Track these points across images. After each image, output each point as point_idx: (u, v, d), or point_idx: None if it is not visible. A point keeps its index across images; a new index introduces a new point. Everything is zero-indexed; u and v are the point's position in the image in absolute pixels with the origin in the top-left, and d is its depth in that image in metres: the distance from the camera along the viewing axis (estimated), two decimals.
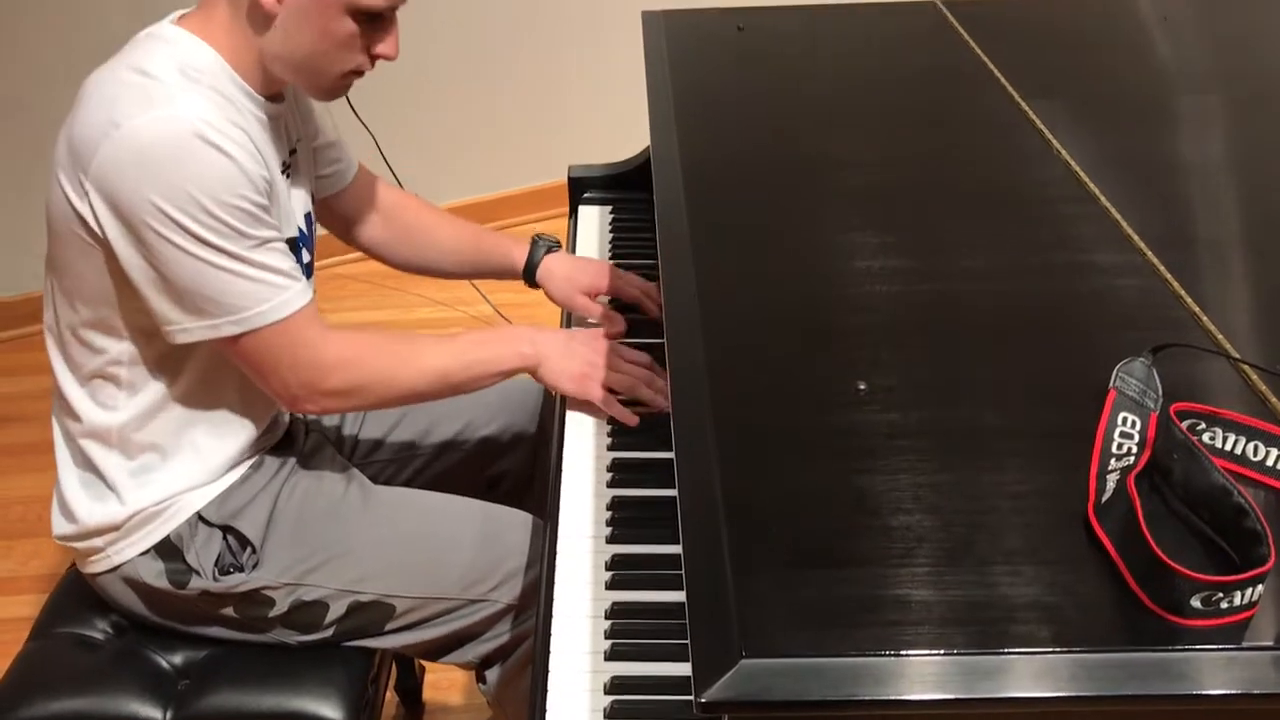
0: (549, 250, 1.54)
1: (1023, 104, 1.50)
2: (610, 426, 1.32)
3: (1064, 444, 0.94)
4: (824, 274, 1.19)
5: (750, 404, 1.00)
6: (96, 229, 1.14)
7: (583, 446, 1.31)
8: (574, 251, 1.72)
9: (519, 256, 1.55)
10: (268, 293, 1.16)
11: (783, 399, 1.01)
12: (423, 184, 2.91)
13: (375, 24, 1.19)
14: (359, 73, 1.23)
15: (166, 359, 1.23)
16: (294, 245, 1.29)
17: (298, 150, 1.34)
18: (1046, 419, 0.98)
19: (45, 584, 2.03)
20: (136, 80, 1.13)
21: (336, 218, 1.52)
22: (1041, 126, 1.44)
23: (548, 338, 1.33)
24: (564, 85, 3.08)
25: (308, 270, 1.36)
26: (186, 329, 1.16)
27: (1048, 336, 1.09)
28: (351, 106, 2.78)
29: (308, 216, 1.36)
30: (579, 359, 1.31)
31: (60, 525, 1.30)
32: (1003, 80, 1.57)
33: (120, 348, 1.22)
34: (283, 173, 1.29)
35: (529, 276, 1.55)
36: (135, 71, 1.14)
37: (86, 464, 1.27)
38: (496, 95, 3.03)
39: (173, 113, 1.10)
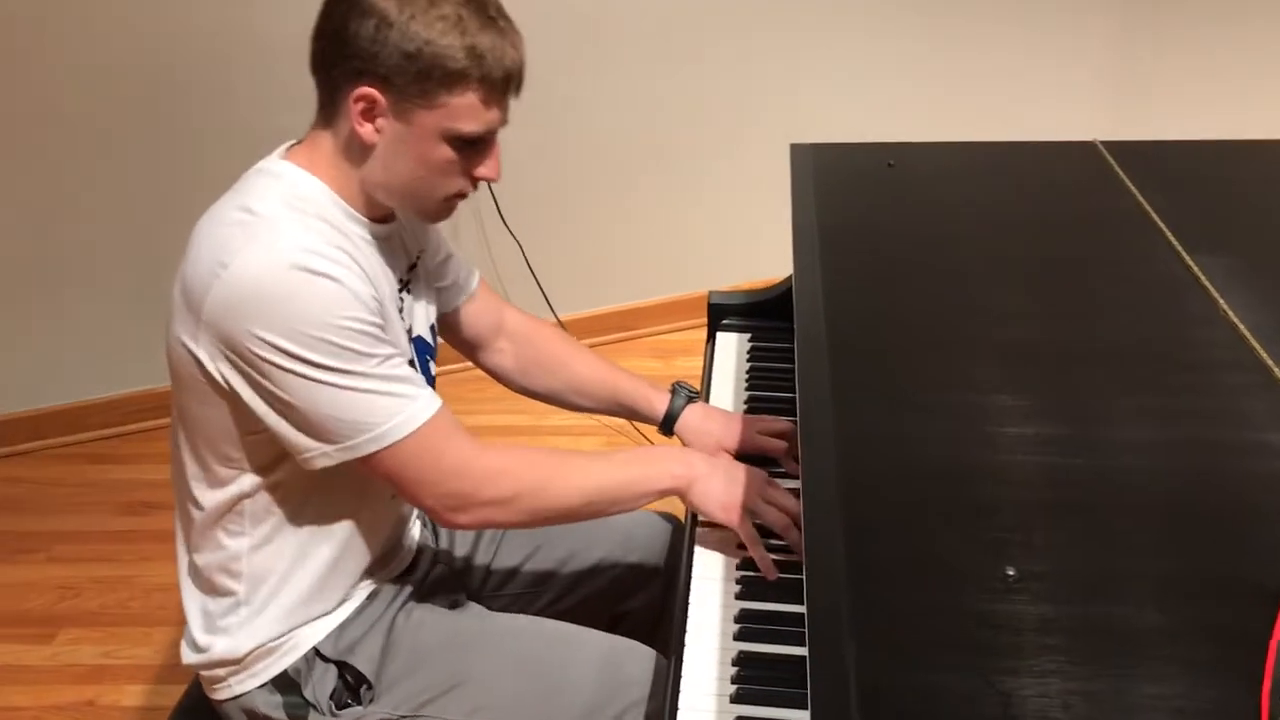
0: (689, 400, 1.52)
1: (1186, 258, 1.44)
2: (740, 574, 1.29)
3: (1233, 653, 0.87)
4: (972, 439, 1.14)
5: (890, 583, 0.96)
6: (215, 372, 1.15)
7: (710, 590, 1.28)
8: (710, 380, 1.70)
9: (659, 405, 1.52)
10: (398, 405, 1.16)
11: (925, 581, 0.96)
12: (565, 292, 2.98)
13: (474, 147, 1.19)
14: (462, 195, 1.23)
15: (289, 489, 1.24)
16: (415, 361, 1.30)
17: (418, 264, 1.36)
18: (1214, 621, 0.91)
19: (179, 674, 2.07)
20: (242, 219, 1.15)
21: (461, 338, 1.52)
22: (1207, 284, 1.38)
23: (700, 460, 1.30)
24: (706, 202, 3.11)
25: (431, 382, 1.36)
26: (326, 453, 1.16)
27: (1215, 525, 1.02)
28: (502, 217, 2.87)
29: (431, 328, 1.38)
30: (731, 485, 1.28)
31: (187, 655, 1.32)
32: (1165, 230, 1.51)
33: (243, 482, 1.23)
34: (401, 289, 1.30)
35: (667, 426, 1.52)
36: (241, 210, 1.16)
37: (211, 595, 1.29)
38: (639, 209, 3.08)
39: (276, 246, 1.12)
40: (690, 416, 1.51)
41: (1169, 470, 1.08)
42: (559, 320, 2.96)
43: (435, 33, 1.12)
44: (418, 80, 1.13)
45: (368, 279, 1.18)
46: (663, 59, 2.94)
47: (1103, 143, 1.79)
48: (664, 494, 1.29)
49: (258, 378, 1.13)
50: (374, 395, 1.14)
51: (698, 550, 1.32)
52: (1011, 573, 0.94)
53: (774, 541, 1.29)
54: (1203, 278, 1.39)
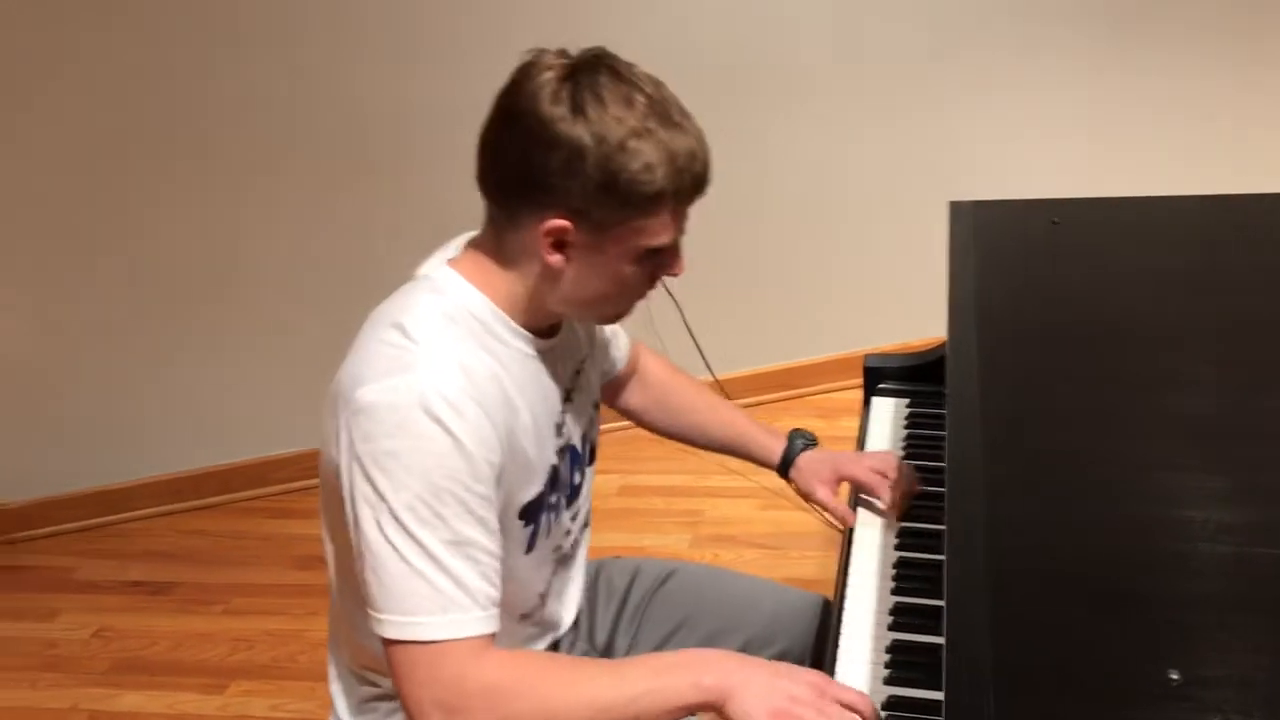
0: (805, 447, 1.53)
1: None
2: (888, 656, 1.22)
3: None
4: (1139, 523, 1.05)
5: (1039, 684, 0.89)
6: (338, 475, 1.12)
7: (857, 677, 1.21)
8: (863, 448, 1.65)
9: (775, 449, 1.53)
10: (439, 606, 1.06)
11: (1076, 683, 0.88)
12: (723, 351, 2.96)
13: (661, 253, 1.16)
14: (642, 296, 1.21)
15: None
16: (554, 477, 1.24)
17: (584, 368, 1.33)
18: None
19: None
20: (393, 340, 1.11)
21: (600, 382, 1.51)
22: None
23: (741, 668, 1.11)
24: (867, 259, 3.07)
25: (576, 491, 1.32)
26: (367, 613, 1.09)
27: None
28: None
29: (584, 437, 1.33)
30: (779, 694, 1.08)
31: None
32: None
33: None
34: (564, 399, 1.26)
35: (783, 470, 1.53)
36: (396, 329, 1.12)
37: (358, 683, 1.29)
38: (798, 267, 3.05)
39: (410, 382, 1.07)
40: (804, 460, 1.52)
41: None
42: (715, 379, 2.94)
43: (629, 157, 1.07)
44: (616, 209, 1.09)
45: (500, 434, 1.11)
46: (821, 114, 2.91)
47: None
48: (690, 710, 1.11)
49: (352, 500, 1.09)
50: (423, 581, 1.06)
51: (843, 636, 1.26)
52: (1175, 676, 0.86)
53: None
54: None
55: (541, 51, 1.13)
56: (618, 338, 1.51)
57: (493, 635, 1.09)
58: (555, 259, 1.13)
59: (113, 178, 2.60)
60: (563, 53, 1.13)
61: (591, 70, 1.10)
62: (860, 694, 1.11)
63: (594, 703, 1.08)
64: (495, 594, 1.10)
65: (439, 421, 1.06)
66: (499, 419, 1.12)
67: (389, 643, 1.08)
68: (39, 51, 2.47)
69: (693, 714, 1.12)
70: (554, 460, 1.25)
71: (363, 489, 1.07)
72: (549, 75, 1.09)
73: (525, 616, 1.31)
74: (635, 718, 1.09)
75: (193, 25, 2.52)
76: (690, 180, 1.12)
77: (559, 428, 1.25)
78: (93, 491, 2.80)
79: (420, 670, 1.07)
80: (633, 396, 1.57)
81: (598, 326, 1.42)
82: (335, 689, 1.32)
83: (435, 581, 1.06)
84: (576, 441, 1.31)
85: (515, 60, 1.14)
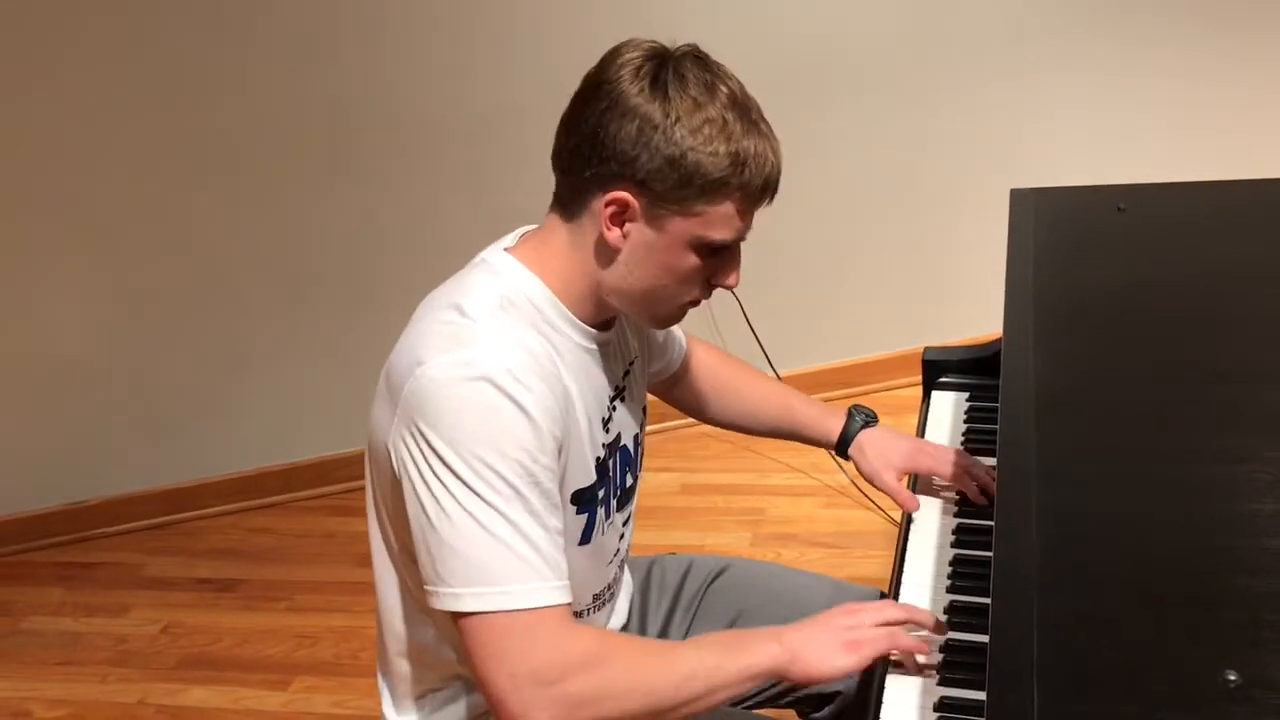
0: (865, 424, 1.49)
1: None
2: (940, 657, 1.19)
3: None
4: (1201, 518, 1.01)
5: (1083, 689, 0.85)
6: (395, 463, 1.12)
7: (909, 682, 1.18)
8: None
9: (834, 427, 1.50)
10: (523, 574, 1.05)
11: (1127, 685, 0.84)
12: (785, 347, 2.92)
13: (718, 255, 1.15)
14: (695, 303, 1.19)
15: None
16: (612, 473, 1.24)
17: (632, 369, 1.32)
18: None
19: None
20: (451, 319, 1.12)
21: (651, 383, 1.50)
22: None
23: (795, 630, 1.16)
24: (930, 253, 3.01)
25: (626, 495, 1.31)
26: (437, 593, 1.08)
27: None
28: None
29: (635, 437, 1.32)
30: (839, 632, 1.14)
31: None
32: None
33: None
34: (615, 396, 1.26)
35: (841, 449, 1.50)
36: (453, 309, 1.13)
37: (401, 678, 1.28)
38: (861, 261, 3.01)
39: (473, 356, 1.07)
40: (869, 440, 1.48)
41: None
42: (777, 375, 2.90)
43: (700, 139, 1.08)
44: (678, 187, 1.09)
45: (560, 409, 1.12)
46: (882, 107, 2.87)
47: None
48: (764, 675, 1.15)
49: (416, 481, 1.08)
50: (504, 549, 1.05)
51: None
52: (1232, 678, 0.81)
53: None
54: None
55: (635, 39, 1.14)
56: (671, 336, 1.49)
57: (568, 607, 1.09)
58: (614, 234, 1.12)
59: (187, 185, 2.65)
60: (655, 42, 1.14)
61: (680, 58, 1.11)
62: (905, 607, 1.17)
63: (678, 669, 1.10)
64: (565, 566, 1.10)
65: (505, 393, 1.06)
66: (558, 395, 1.13)
67: (469, 618, 1.06)
68: (128, 60, 2.52)
69: (766, 679, 1.16)
70: (600, 453, 1.24)
71: (431, 465, 1.07)
72: (637, 54, 1.11)
73: (576, 615, 1.29)
74: (716, 687, 1.11)
75: (280, 35, 2.56)
76: (760, 180, 1.11)
77: (605, 423, 1.24)
78: (162, 490, 2.84)
79: (513, 641, 1.05)
80: (685, 389, 1.55)
81: (648, 330, 1.41)
82: (383, 685, 1.31)
83: (519, 549, 1.05)
84: (628, 441, 1.30)
85: (583, 66, 1.15)
